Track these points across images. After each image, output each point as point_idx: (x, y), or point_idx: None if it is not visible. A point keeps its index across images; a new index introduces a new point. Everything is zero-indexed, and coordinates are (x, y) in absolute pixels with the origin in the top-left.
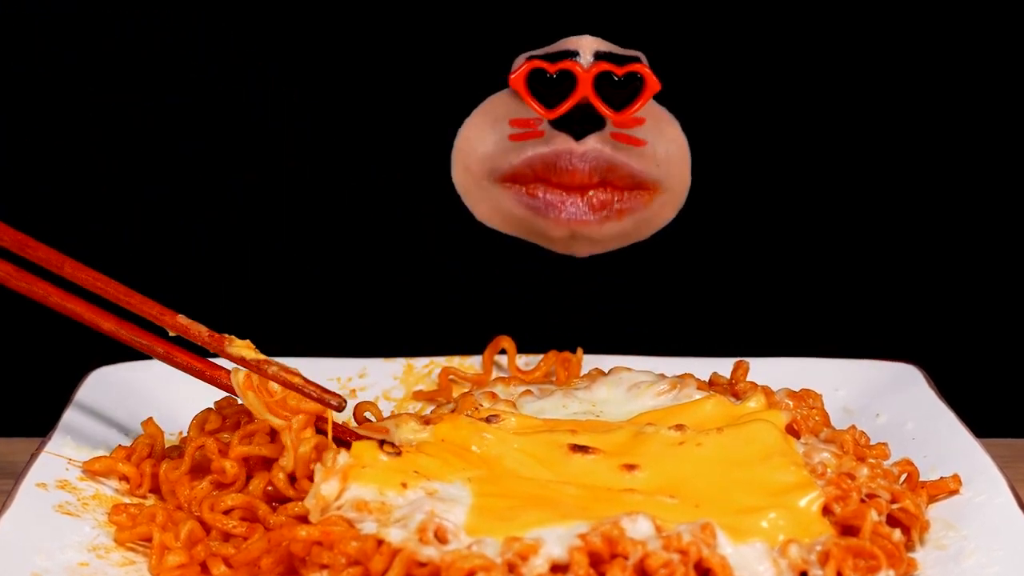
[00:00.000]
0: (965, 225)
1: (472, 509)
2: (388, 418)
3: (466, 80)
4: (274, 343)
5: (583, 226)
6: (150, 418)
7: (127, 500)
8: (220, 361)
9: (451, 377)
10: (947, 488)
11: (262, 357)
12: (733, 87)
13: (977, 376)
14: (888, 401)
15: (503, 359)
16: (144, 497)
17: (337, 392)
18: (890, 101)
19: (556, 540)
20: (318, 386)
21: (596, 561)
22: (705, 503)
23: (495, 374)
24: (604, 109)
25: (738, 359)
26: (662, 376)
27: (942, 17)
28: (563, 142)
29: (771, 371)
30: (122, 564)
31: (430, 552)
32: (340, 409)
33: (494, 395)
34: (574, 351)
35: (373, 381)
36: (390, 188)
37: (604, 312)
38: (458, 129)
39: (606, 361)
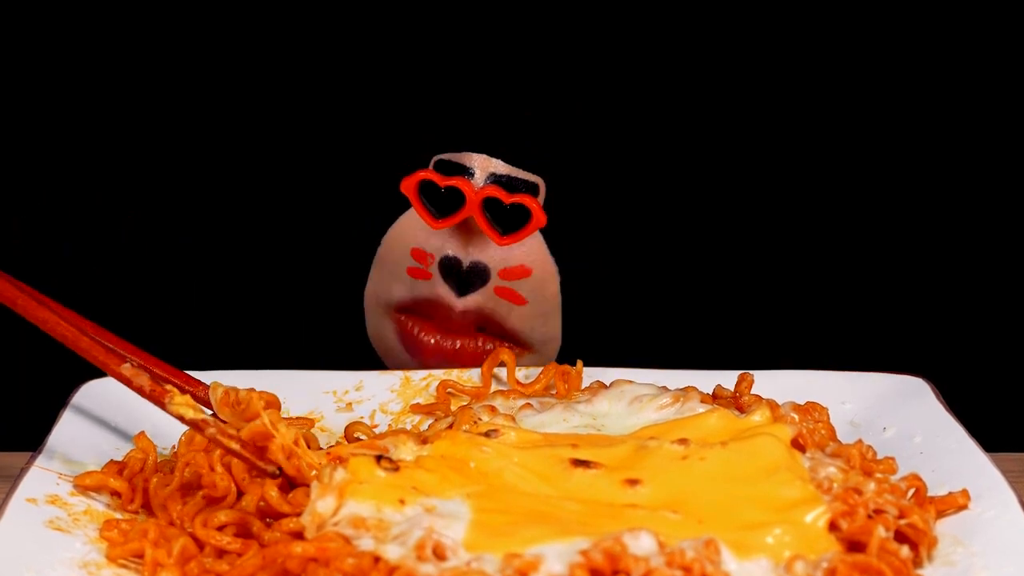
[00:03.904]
0: (973, 238)
1: (471, 525)
2: (385, 435)
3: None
4: (270, 356)
5: (452, 356)
6: (142, 432)
7: (119, 516)
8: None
9: (449, 390)
10: (956, 503)
11: (201, 416)
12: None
13: (986, 389)
14: (895, 414)
15: (502, 372)
16: (136, 512)
17: (272, 461)
18: (896, 112)
19: (557, 556)
20: (255, 451)
21: None
22: (709, 519)
23: (494, 387)
24: (489, 231)
25: (742, 372)
26: (664, 389)
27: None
28: (445, 291)
29: (776, 384)
30: None
31: (428, 569)
32: (275, 477)
33: (493, 408)
34: (574, 363)
35: (370, 394)
36: (380, 202)
37: (605, 324)
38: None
39: (607, 374)
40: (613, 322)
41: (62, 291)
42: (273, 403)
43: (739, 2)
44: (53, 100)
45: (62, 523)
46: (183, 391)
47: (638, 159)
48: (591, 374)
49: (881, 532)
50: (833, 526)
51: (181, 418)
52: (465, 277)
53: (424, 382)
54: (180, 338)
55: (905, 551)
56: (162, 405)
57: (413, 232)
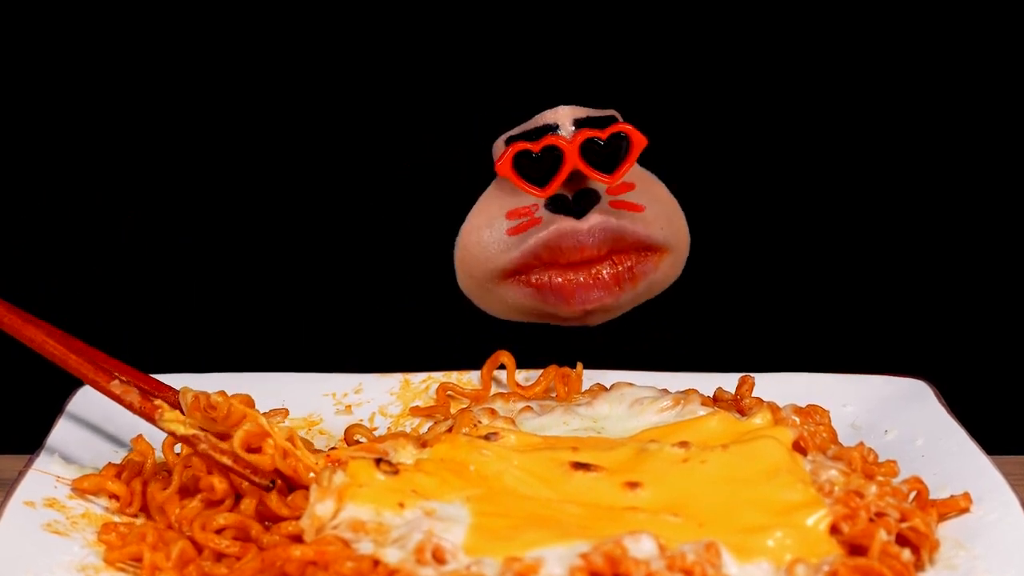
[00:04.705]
0: (974, 240)
1: (471, 529)
2: (384, 438)
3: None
4: (269, 358)
5: (596, 303)
6: (140, 435)
7: (117, 519)
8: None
9: (449, 393)
10: (957, 506)
11: (192, 432)
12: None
13: (988, 392)
14: (897, 417)
15: (502, 374)
16: (135, 516)
17: (266, 474)
18: (896, 114)
19: (557, 560)
20: (247, 466)
21: None
22: (710, 522)
23: (494, 390)
24: (596, 175)
25: (743, 374)
26: (665, 392)
27: (931, 47)
28: (566, 223)
29: (777, 387)
30: None
31: (428, 573)
32: (269, 490)
33: (493, 411)
34: (574, 366)
35: (369, 397)
36: (390, 210)
37: (605, 326)
38: (456, 235)
39: (607, 376)
40: (613, 323)
41: (62, 292)
42: (248, 404)
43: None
44: (53, 100)
45: (60, 526)
46: (174, 406)
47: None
48: (591, 377)
49: (883, 535)
50: (834, 529)
51: (173, 434)
52: (576, 201)
53: (424, 384)
54: (179, 339)
55: (907, 554)
56: (152, 421)
57: (499, 204)
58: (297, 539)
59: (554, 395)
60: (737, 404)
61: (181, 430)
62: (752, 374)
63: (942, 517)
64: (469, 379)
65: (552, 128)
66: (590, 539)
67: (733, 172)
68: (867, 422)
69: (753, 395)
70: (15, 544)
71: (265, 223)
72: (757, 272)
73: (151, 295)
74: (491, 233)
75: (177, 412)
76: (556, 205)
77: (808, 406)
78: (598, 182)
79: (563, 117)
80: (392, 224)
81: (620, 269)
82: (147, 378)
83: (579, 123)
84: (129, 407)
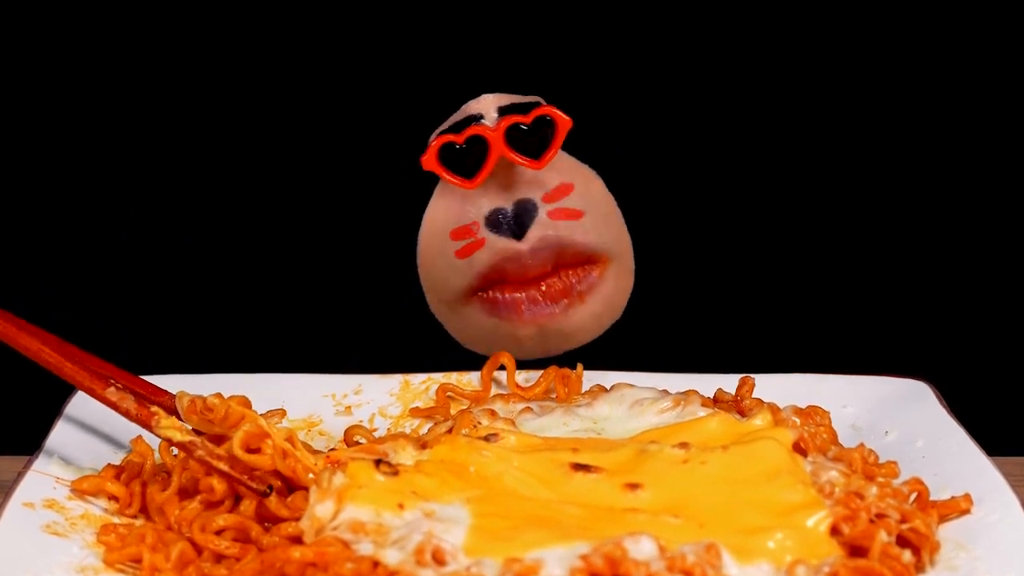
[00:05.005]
0: (975, 240)
1: (471, 530)
2: (384, 439)
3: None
4: (269, 359)
5: (549, 320)
6: (139, 436)
7: (116, 520)
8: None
9: (449, 394)
10: (958, 507)
11: (188, 439)
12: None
13: (988, 392)
14: (897, 418)
15: (502, 375)
16: (134, 517)
17: (263, 479)
18: (896, 115)
19: (557, 561)
20: (244, 471)
21: None
22: (710, 523)
23: (494, 391)
24: (523, 161)
25: (743, 375)
26: (665, 393)
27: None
28: (505, 243)
29: (777, 388)
30: None
31: (427, 574)
32: (266, 495)
33: (493, 412)
34: (574, 367)
35: (369, 398)
36: (390, 210)
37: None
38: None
39: (608, 377)
40: (613, 325)
41: (62, 292)
42: (245, 405)
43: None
44: (53, 100)
45: (59, 527)
46: (170, 411)
47: (636, 159)
48: (591, 378)
49: (883, 536)
50: (835, 530)
51: (169, 440)
52: (515, 219)
53: (424, 385)
54: (179, 340)
55: (907, 555)
56: (149, 427)
57: (443, 219)
58: (297, 540)
59: (554, 396)
60: (737, 405)
61: (178, 437)
62: (752, 375)
63: (943, 518)
64: (469, 380)
65: (476, 118)
66: (590, 540)
67: (730, 173)
68: (867, 423)
69: (753, 396)
70: (14, 545)
71: (265, 224)
72: (758, 274)
73: (151, 295)
74: (443, 259)
75: (173, 419)
76: (494, 225)
77: (808, 407)
78: (526, 168)
79: (487, 106)
80: (391, 224)
81: (565, 283)
82: (143, 383)
83: (503, 110)
84: (125, 414)
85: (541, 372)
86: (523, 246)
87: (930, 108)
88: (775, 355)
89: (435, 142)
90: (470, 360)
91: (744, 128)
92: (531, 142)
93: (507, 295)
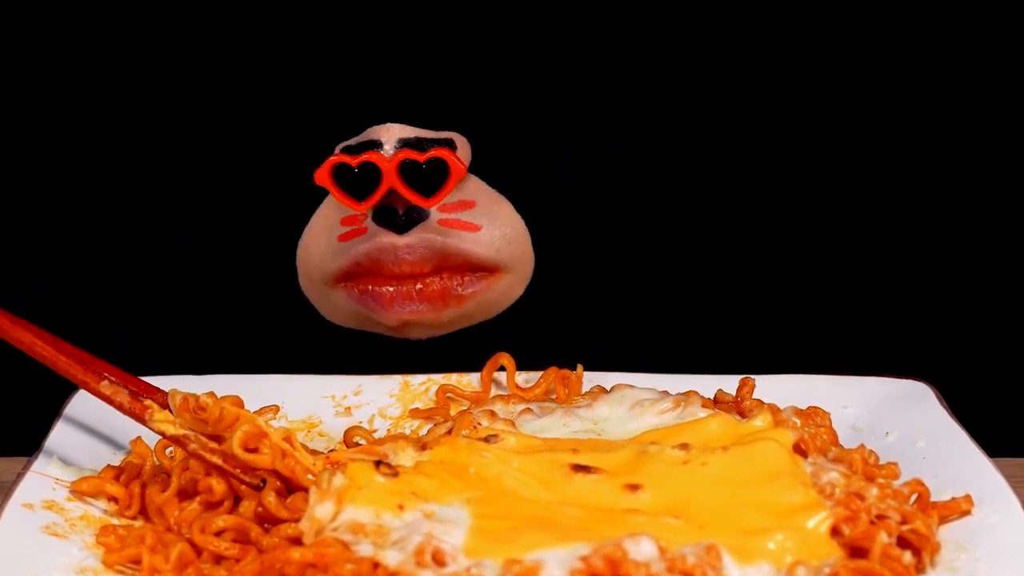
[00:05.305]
0: (975, 241)
1: (471, 531)
2: (384, 440)
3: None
4: (269, 360)
5: (414, 315)
6: (138, 437)
7: (116, 521)
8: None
9: (449, 395)
10: (959, 509)
11: (182, 432)
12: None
13: (989, 393)
14: (898, 419)
15: (502, 376)
16: (134, 518)
17: (256, 474)
18: (896, 115)
19: (557, 562)
20: (237, 464)
21: None
22: (710, 524)
23: (494, 392)
24: (414, 197)
25: (744, 376)
26: (665, 394)
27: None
28: (385, 236)
29: (778, 388)
30: None
31: (427, 575)
32: (259, 489)
33: (493, 413)
34: (574, 368)
35: (369, 399)
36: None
37: (605, 328)
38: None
39: (608, 378)
40: (614, 326)
41: (61, 292)
42: (238, 404)
43: None
44: (52, 100)
45: (59, 528)
46: (163, 407)
47: (633, 160)
48: (591, 379)
49: (884, 538)
50: (835, 532)
51: (163, 434)
52: (404, 216)
53: (423, 386)
54: (178, 340)
55: (908, 557)
56: (143, 421)
57: (341, 205)
58: (296, 541)
59: (554, 397)
60: (738, 406)
61: (171, 430)
62: (753, 376)
63: (943, 519)
64: (469, 381)
65: (376, 144)
66: (590, 541)
67: (731, 174)
68: (868, 424)
69: (754, 397)
70: (14, 546)
71: (265, 224)
72: (758, 274)
73: (150, 296)
74: (326, 239)
75: (167, 412)
76: (381, 217)
77: (809, 408)
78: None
79: (390, 135)
80: None
81: (447, 286)
82: (137, 380)
83: (403, 143)
84: (119, 407)
85: (541, 373)
86: (400, 241)
87: (929, 108)
88: (775, 356)
89: (330, 160)
90: (470, 361)
91: (744, 129)
92: (425, 177)
93: (377, 288)
